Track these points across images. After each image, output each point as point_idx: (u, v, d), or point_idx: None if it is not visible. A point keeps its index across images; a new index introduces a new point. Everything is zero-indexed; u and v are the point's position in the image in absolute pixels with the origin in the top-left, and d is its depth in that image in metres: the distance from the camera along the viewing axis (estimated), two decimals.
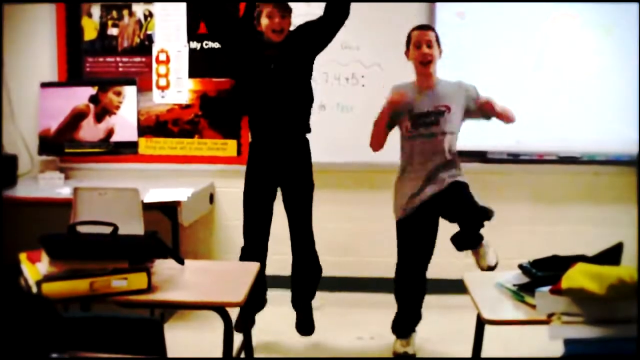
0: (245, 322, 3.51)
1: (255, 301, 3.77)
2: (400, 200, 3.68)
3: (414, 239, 3.68)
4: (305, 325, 3.87)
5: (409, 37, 3.65)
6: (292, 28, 3.71)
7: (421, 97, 3.62)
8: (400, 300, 3.80)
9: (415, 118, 3.60)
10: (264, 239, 3.80)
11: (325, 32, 3.68)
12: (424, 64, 3.59)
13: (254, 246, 3.77)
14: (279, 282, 4.07)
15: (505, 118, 3.66)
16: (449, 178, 3.57)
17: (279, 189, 3.84)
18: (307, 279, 3.88)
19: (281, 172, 3.76)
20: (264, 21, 3.60)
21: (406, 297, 3.78)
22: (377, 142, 3.70)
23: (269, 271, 3.91)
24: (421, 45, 3.58)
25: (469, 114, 3.66)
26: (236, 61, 3.76)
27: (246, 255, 3.79)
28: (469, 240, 3.53)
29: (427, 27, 3.69)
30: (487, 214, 3.49)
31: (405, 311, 3.81)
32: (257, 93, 3.69)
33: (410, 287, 3.76)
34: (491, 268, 3.50)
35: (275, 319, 4.10)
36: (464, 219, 3.50)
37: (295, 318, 3.92)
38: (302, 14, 3.88)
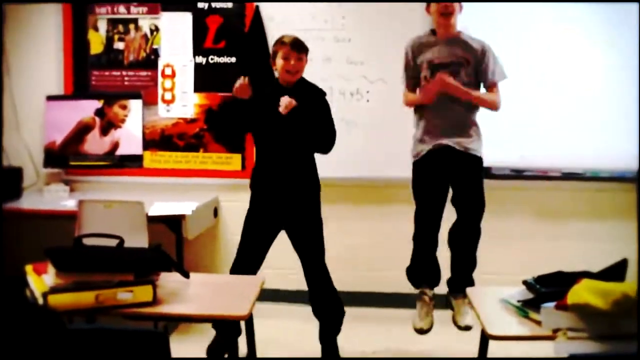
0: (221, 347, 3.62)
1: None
2: (416, 142, 3.73)
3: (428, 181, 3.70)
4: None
5: None
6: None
7: (441, 47, 3.64)
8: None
9: (434, 68, 3.62)
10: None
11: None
12: (445, 15, 3.61)
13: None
14: (281, 296, 4.07)
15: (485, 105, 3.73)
16: (465, 143, 3.62)
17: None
18: (330, 316, 3.82)
19: (286, 217, 3.73)
20: (279, 62, 3.61)
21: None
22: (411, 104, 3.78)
23: (273, 285, 3.91)
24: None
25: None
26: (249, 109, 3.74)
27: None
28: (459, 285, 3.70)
29: None
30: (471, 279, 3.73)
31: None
32: (266, 135, 3.69)
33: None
34: (467, 328, 3.66)
35: (281, 331, 4.10)
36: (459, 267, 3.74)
37: (319, 346, 3.87)
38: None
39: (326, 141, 3.66)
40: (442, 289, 3.88)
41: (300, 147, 3.66)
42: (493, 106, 3.70)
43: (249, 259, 3.68)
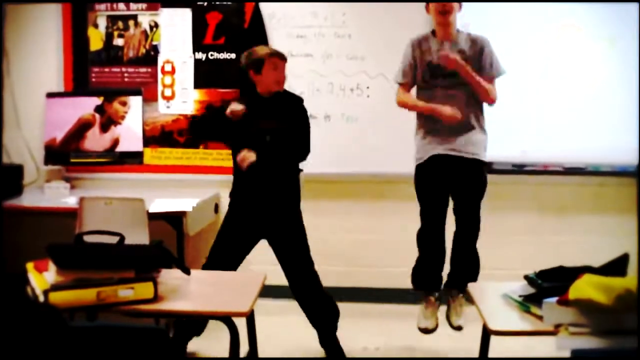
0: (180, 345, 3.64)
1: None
2: (419, 148, 3.70)
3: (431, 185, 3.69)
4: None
5: None
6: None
7: (440, 48, 3.63)
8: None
9: (434, 69, 3.62)
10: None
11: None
12: (443, 14, 3.60)
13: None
14: (281, 292, 4.06)
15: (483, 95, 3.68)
16: (468, 146, 3.60)
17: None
18: (325, 321, 3.81)
19: (267, 228, 3.71)
20: (268, 73, 3.60)
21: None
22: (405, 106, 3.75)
23: (272, 281, 3.88)
24: None
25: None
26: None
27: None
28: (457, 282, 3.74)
29: None
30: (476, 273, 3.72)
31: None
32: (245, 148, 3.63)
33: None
34: (459, 328, 3.72)
35: (281, 329, 4.10)
36: (458, 267, 3.73)
37: (318, 339, 3.87)
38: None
39: (300, 154, 3.67)
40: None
41: (278, 161, 3.65)
42: (489, 95, 3.66)
43: (221, 265, 3.62)
